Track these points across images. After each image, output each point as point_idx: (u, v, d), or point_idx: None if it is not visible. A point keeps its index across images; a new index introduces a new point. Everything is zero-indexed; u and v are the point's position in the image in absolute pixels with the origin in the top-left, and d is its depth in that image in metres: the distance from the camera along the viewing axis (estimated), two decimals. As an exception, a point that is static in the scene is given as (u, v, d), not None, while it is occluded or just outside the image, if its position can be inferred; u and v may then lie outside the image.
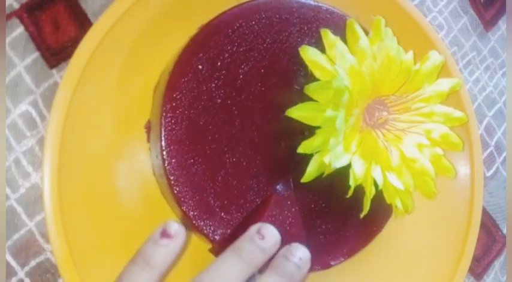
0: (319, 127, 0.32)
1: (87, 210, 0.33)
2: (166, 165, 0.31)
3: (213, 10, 0.34)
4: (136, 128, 0.36)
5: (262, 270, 0.30)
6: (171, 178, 0.32)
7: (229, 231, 0.33)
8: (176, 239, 0.28)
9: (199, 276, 0.28)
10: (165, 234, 0.28)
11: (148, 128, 0.36)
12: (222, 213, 0.33)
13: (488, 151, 0.51)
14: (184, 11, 0.36)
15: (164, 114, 0.32)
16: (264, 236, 0.30)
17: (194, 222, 0.32)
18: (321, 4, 0.36)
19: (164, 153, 0.31)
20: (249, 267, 0.29)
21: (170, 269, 0.29)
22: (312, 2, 0.35)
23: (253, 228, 0.30)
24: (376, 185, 0.33)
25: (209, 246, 0.34)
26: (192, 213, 0.32)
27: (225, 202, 0.33)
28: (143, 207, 0.36)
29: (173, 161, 0.32)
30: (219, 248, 0.33)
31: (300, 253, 0.30)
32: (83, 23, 0.36)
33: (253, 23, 0.34)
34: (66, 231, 0.32)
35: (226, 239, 0.33)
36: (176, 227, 0.28)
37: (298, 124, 0.32)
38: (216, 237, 0.32)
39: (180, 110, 0.32)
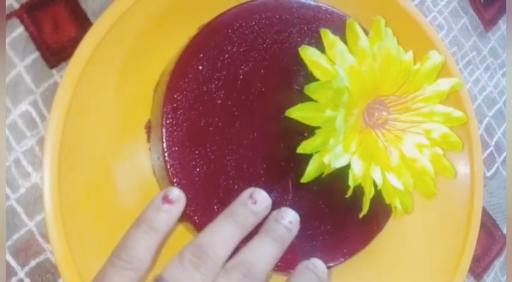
0: (319, 127, 0.32)
1: (87, 210, 0.33)
2: (168, 167, 0.31)
3: (213, 10, 0.33)
4: (136, 128, 0.36)
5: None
6: (174, 180, 0.31)
7: None
8: (177, 203, 0.30)
9: (197, 239, 0.29)
10: (166, 199, 0.30)
11: (148, 128, 0.36)
12: None
13: (488, 151, 0.51)
14: (184, 11, 0.36)
15: (165, 115, 0.32)
16: (256, 200, 0.31)
17: (196, 225, 0.32)
18: (320, 4, 0.36)
19: (166, 155, 0.31)
20: (242, 230, 0.30)
21: (171, 232, 0.30)
22: (312, 2, 0.35)
23: (245, 193, 0.32)
24: (375, 185, 0.33)
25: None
26: (195, 217, 0.32)
27: (227, 206, 0.33)
28: (143, 207, 0.36)
29: (175, 163, 0.32)
30: None
31: (290, 216, 0.32)
32: (83, 23, 0.36)
33: (253, 23, 0.34)
34: (66, 231, 0.32)
35: None
36: (177, 193, 0.30)
37: (298, 124, 0.32)
38: None
39: (181, 111, 0.32)
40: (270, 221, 0.32)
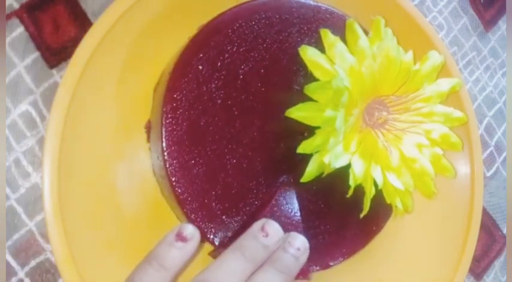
0: (319, 127, 0.32)
1: (87, 210, 0.33)
2: (167, 166, 0.31)
3: (213, 10, 0.34)
4: (136, 128, 0.36)
5: None
6: (173, 179, 0.31)
7: (229, 234, 0.33)
8: (191, 241, 0.28)
9: (203, 274, 0.28)
10: (180, 236, 0.28)
11: (148, 128, 0.36)
12: (223, 216, 0.33)
13: (488, 151, 0.51)
14: (184, 11, 0.36)
15: (165, 115, 0.32)
16: (268, 233, 0.30)
17: (196, 224, 0.32)
18: (320, 4, 0.36)
19: (165, 154, 0.31)
20: (252, 265, 0.29)
21: (183, 269, 0.29)
22: (312, 2, 0.35)
23: (256, 225, 0.30)
24: (375, 185, 0.33)
25: (209, 247, 0.34)
26: (193, 215, 0.32)
27: (226, 205, 0.33)
28: (143, 207, 0.36)
29: (174, 162, 0.32)
30: (219, 252, 0.33)
31: (298, 242, 0.30)
32: (83, 23, 0.36)
33: (253, 23, 0.34)
34: (66, 231, 0.32)
35: (226, 243, 0.33)
36: (191, 230, 0.29)
37: (298, 124, 0.32)
38: (216, 240, 0.32)
39: (181, 110, 0.32)
40: (277, 250, 0.30)
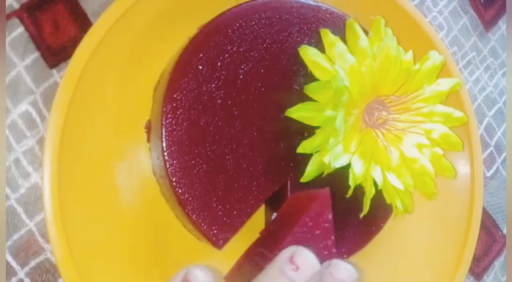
0: (319, 127, 0.32)
1: (87, 210, 0.33)
2: (168, 166, 0.31)
3: (213, 10, 0.34)
4: (136, 128, 0.36)
5: None
6: (173, 179, 0.31)
7: (231, 235, 0.33)
8: None
9: None
10: None
11: (148, 128, 0.36)
12: (225, 218, 0.33)
13: (488, 151, 0.51)
14: (184, 11, 0.36)
15: (165, 115, 0.32)
16: (298, 266, 0.23)
17: (197, 224, 0.32)
18: (320, 4, 0.36)
19: (165, 154, 0.31)
20: None
21: None
22: (312, 2, 0.35)
23: (284, 254, 0.24)
24: (375, 185, 0.33)
25: (208, 245, 0.34)
26: (195, 216, 0.32)
27: (227, 206, 0.33)
28: (143, 207, 0.36)
29: (174, 162, 0.32)
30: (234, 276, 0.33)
31: (343, 274, 0.23)
32: (83, 23, 0.36)
33: (253, 23, 0.34)
34: (66, 231, 0.32)
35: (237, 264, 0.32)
36: (201, 277, 0.23)
37: (298, 124, 0.32)
38: (220, 241, 0.32)
39: (181, 110, 0.32)
40: None
